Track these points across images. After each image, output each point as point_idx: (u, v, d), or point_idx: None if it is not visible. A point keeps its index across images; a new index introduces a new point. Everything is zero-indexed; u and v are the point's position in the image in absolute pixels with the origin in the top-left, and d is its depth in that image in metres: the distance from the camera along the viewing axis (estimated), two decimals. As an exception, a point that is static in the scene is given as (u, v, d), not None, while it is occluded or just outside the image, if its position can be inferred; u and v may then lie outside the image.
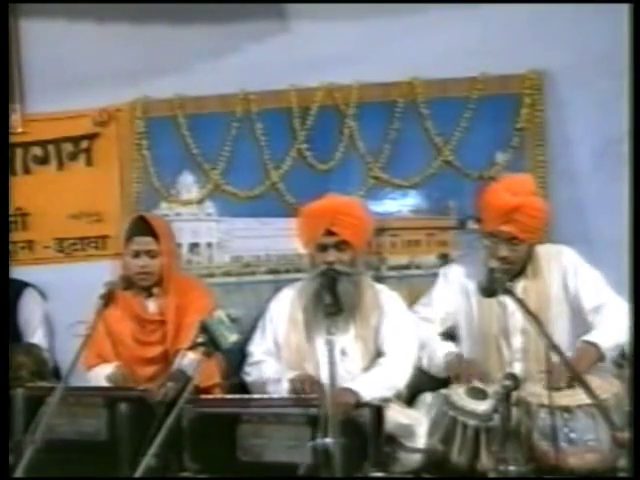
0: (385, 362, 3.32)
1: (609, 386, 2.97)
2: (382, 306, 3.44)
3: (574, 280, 3.40)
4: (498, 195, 3.35)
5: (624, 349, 3.29)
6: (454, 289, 3.55)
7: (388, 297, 3.50)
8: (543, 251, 3.46)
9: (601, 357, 3.17)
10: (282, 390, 3.20)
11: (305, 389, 3.07)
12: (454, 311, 3.53)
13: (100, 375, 3.37)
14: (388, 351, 3.35)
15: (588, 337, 3.22)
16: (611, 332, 3.23)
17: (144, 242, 3.49)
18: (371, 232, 3.62)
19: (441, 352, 3.36)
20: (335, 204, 3.42)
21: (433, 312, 3.53)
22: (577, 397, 2.84)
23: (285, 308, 3.51)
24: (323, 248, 3.36)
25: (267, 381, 3.36)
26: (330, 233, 3.35)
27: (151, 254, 3.48)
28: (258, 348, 3.49)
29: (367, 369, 3.33)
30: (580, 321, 3.37)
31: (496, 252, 3.28)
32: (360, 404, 3.01)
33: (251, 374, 3.46)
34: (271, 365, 3.41)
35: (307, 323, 3.40)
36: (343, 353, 3.30)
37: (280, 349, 3.45)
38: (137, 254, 3.48)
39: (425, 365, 3.41)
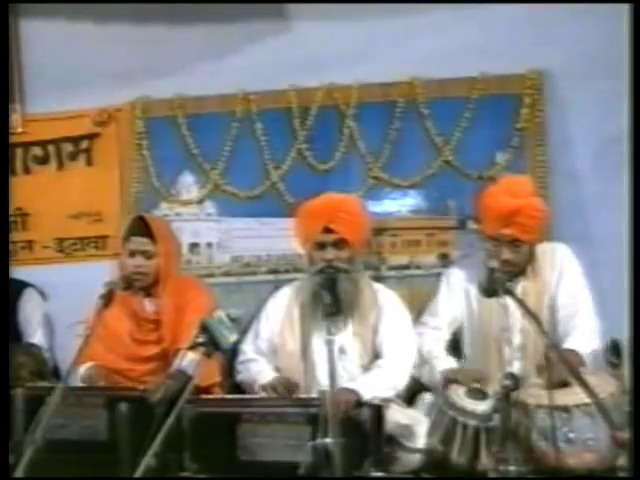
0: (384, 363, 3.32)
1: (606, 385, 2.97)
2: (380, 305, 3.44)
3: (556, 281, 3.41)
4: (498, 198, 3.34)
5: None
6: (457, 292, 3.55)
7: (386, 296, 3.50)
8: (540, 250, 3.46)
9: (582, 363, 3.16)
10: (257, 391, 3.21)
11: (278, 393, 3.06)
12: (459, 314, 3.53)
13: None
14: (387, 352, 3.35)
15: (567, 344, 3.21)
16: (586, 338, 3.26)
17: (140, 242, 3.48)
18: (369, 230, 3.62)
19: (439, 368, 3.33)
20: (333, 202, 3.42)
21: (440, 320, 3.53)
22: (575, 397, 2.84)
23: (282, 307, 3.51)
24: (321, 246, 3.36)
25: (255, 380, 3.35)
26: (328, 231, 3.35)
27: (147, 255, 3.47)
28: (250, 346, 3.49)
29: (365, 368, 3.34)
30: (554, 322, 3.38)
31: (498, 255, 3.27)
32: (360, 403, 3.01)
33: (241, 372, 3.47)
34: (260, 364, 3.41)
35: (304, 322, 3.41)
36: (341, 351, 3.30)
37: (275, 348, 3.46)
38: (133, 254, 3.47)
39: (425, 379, 3.40)
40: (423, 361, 3.41)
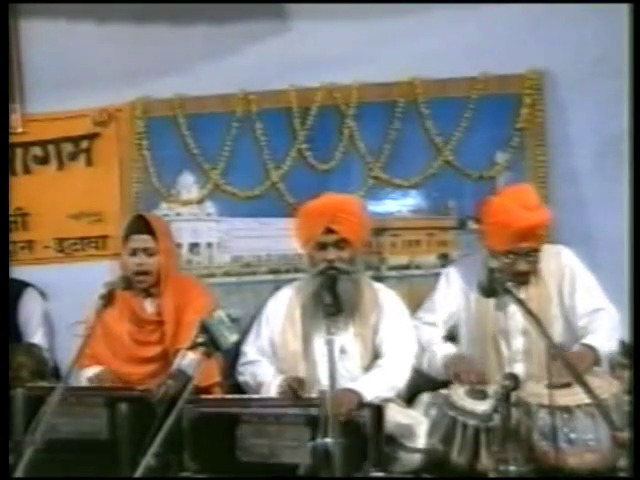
0: (385, 363, 3.32)
1: (608, 386, 2.97)
2: (381, 305, 3.45)
3: (569, 284, 3.41)
4: (515, 215, 3.27)
5: (629, 348, 3.30)
6: (455, 290, 3.55)
7: (386, 296, 3.51)
8: (543, 252, 3.45)
9: (597, 361, 3.17)
10: (272, 393, 3.20)
11: (294, 393, 3.06)
12: (456, 312, 3.54)
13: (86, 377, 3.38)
14: (387, 351, 3.36)
15: (587, 340, 3.22)
16: (607, 339, 3.26)
17: (142, 240, 3.48)
18: (369, 230, 3.63)
19: (440, 354, 3.36)
20: (334, 202, 3.43)
21: (436, 316, 3.54)
22: (577, 397, 2.84)
23: (283, 307, 3.51)
24: (322, 247, 3.37)
25: (258, 383, 3.36)
26: (329, 231, 3.36)
27: (149, 252, 3.48)
28: (252, 348, 3.49)
29: (366, 368, 3.34)
30: (570, 325, 3.38)
31: (515, 267, 3.28)
32: (362, 404, 3.01)
33: (244, 373, 3.46)
34: (264, 366, 3.41)
35: (305, 322, 3.41)
36: (342, 351, 3.31)
37: (276, 349, 3.46)
38: (134, 252, 3.48)
39: (425, 368, 3.42)
40: (423, 350, 3.42)
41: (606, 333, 3.26)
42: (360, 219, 3.44)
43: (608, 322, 3.30)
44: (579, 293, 3.38)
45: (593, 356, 3.16)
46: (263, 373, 3.38)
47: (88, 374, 3.38)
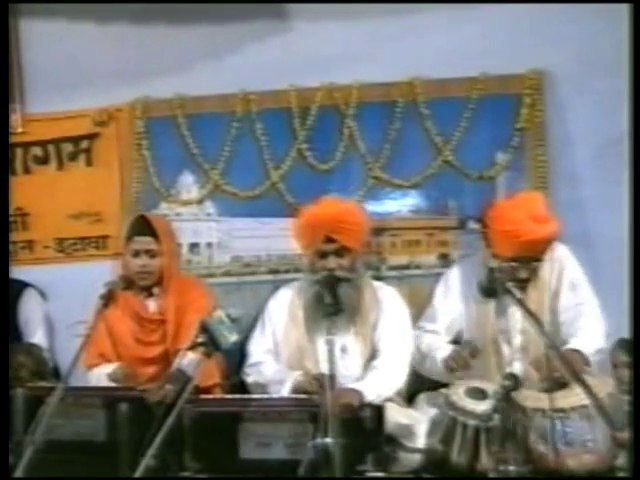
0: (384, 362, 3.33)
1: (604, 385, 2.97)
2: (380, 302, 3.45)
3: (556, 279, 3.41)
4: (524, 226, 3.26)
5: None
6: (455, 294, 3.55)
7: (386, 293, 3.52)
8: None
9: (586, 362, 3.17)
10: (284, 390, 3.21)
11: (310, 389, 3.06)
12: (458, 316, 3.53)
13: (101, 375, 3.38)
14: (384, 350, 3.37)
15: (572, 345, 3.22)
16: (592, 338, 3.26)
17: (145, 242, 3.49)
18: (369, 234, 3.62)
19: (440, 356, 3.33)
20: (334, 211, 3.40)
21: (438, 324, 3.53)
22: (572, 399, 2.85)
23: (284, 307, 3.52)
24: (323, 255, 3.37)
25: (268, 381, 3.36)
26: (330, 240, 3.35)
27: (151, 254, 3.49)
28: (257, 348, 3.50)
29: (366, 366, 3.34)
30: (554, 320, 3.38)
31: (516, 274, 3.28)
32: (363, 404, 3.01)
33: (251, 374, 3.46)
34: (271, 365, 3.42)
35: (307, 322, 3.41)
36: (343, 351, 3.32)
37: (280, 348, 3.46)
38: (137, 253, 3.49)
39: (427, 372, 3.42)
40: (423, 356, 3.42)
41: (590, 333, 3.27)
42: (360, 227, 3.43)
43: (590, 320, 3.31)
44: (564, 288, 3.39)
45: (580, 359, 3.14)
46: (270, 372, 3.39)
47: (106, 370, 3.37)
